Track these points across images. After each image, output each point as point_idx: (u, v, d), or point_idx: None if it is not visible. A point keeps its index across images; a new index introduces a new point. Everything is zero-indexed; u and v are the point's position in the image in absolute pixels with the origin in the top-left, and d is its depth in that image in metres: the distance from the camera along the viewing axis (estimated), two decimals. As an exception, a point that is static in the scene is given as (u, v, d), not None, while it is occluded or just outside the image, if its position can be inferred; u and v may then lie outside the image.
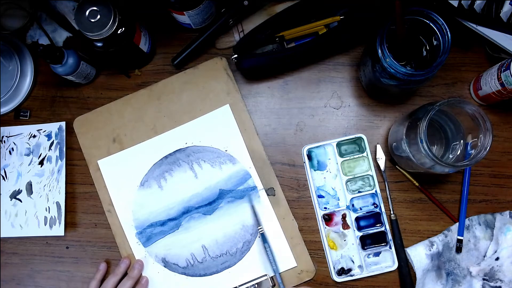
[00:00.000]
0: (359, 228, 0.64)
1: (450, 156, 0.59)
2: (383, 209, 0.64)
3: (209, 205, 0.66)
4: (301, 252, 0.64)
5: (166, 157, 0.67)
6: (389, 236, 0.63)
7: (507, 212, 0.63)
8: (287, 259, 0.63)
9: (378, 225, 0.64)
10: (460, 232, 0.62)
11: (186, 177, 0.66)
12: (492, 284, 0.60)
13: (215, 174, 0.66)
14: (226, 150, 0.66)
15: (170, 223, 0.66)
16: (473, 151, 0.55)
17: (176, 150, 0.67)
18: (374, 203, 0.65)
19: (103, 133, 0.68)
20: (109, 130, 0.68)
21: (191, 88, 0.68)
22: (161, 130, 0.67)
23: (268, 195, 0.65)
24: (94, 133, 0.68)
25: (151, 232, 0.66)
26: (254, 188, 0.65)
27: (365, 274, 0.63)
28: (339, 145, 0.66)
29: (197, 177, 0.66)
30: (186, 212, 0.66)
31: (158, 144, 0.67)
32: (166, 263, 0.65)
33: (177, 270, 0.65)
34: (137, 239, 0.66)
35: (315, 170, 0.66)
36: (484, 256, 0.62)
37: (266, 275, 0.63)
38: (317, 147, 0.66)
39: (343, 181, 0.65)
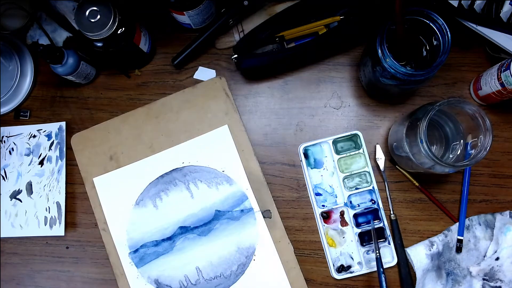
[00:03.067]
0: (358, 225, 0.64)
1: (450, 156, 0.60)
2: (380, 205, 0.64)
3: (205, 226, 0.65)
4: (296, 276, 0.63)
5: (162, 176, 0.66)
6: (388, 231, 0.64)
7: (507, 212, 0.63)
8: (281, 283, 0.63)
9: (376, 221, 0.64)
10: (460, 232, 0.62)
11: (182, 197, 0.65)
12: (492, 284, 0.60)
13: (211, 194, 0.65)
14: (223, 171, 0.65)
15: (164, 243, 0.65)
16: (473, 151, 0.55)
17: (173, 170, 0.66)
18: (371, 199, 0.65)
19: (100, 150, 0.67)
20: (106, 148, 0.67)
21: (189, 108, 0.67)
22: (158, 148, 0.66)
23: (264, 217, 0.64)
24: (91, 151, 0.67)
25: (144, 252, 0.65)
26: (250, 210, 0.64)
27: (364, 270, 0.63)
28: (335, 142, 0.66)
29: (193, 197, 0.65)
30: (181, 232, 0.65)
31: (154, 163, 0.66)
32: (158, 285, 0.64)
33: None
34: (130, 259, 0.65)
35: (312, 168, 0.66)
36: (484, 256, 0.62)
37: None
38: (313, 145, 0.66)
39: (340, 178, 0.65)
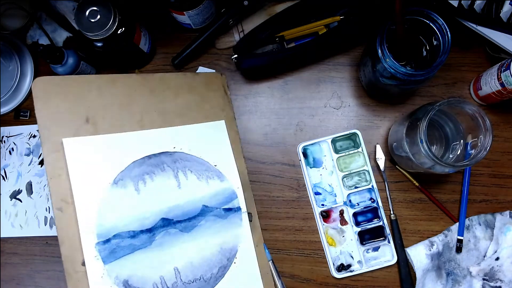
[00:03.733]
0: (357, 224, 0.64)
1: (450, 156, 0.60)
2: (380, 204, 0.64)
3: (189, 221, 0.58)
4: (269, 281, 0.62)
5: (149, 157, 0.58)
6: (387, 230, 0.64)
7: (507, 212, 0.63)
8: (256, 286, 0.61)
9: (375, 219, 0.64)
10: (460, 232, 0.62)
11: (168, 185, 0.58)
12: (492, 284, 0.60)
13: (200, 187, 0.60)
14: (215, 165, 0.62)
15: (143, 236, 0.55)
16: (473, 151, 0.55)
17: (162, 152, 0.59)
18: (371, 198, 0.65)
19: (73, 107, 0.55)
20: (83, 107, 0.55)
21: (188, 92, 0.63)
22: (149, 125, 0.59)
23: (249, 219, 0.63)
24: (61, 104, 0.54)
25: (117, 244, 0.53)
26: (238, 209, 0.61)
27: (364, 269, 0.63)
28: (334, 141, 0.66)
29: (180, 187, 0.59)
30: (163, 225, 0.57)
31: (142, 140, 0.58)
32: (128, 287, 0.53)
33: None
34: (96, 252, 0.52)
35: (311, 168, 0.66)
36: (484, 256, 0.62)
37: None
38: (312, 144, 0.66)
39: (339, 177, 0.65)
